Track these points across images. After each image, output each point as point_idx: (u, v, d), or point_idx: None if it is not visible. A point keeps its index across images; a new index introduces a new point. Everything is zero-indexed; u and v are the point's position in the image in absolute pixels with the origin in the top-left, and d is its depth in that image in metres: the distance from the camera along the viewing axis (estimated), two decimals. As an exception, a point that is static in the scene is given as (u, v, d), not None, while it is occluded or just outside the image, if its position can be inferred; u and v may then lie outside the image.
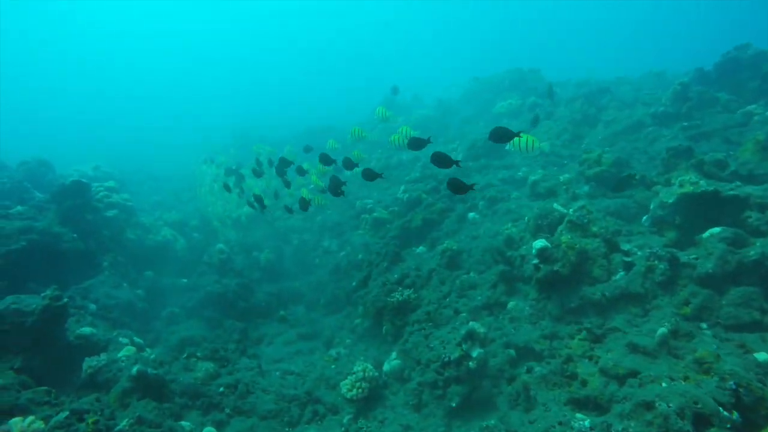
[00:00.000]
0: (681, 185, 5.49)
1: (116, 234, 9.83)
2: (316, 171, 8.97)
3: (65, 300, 5.47)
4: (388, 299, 7.13)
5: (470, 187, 4.46)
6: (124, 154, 24.05)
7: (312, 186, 9.20)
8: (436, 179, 10.82)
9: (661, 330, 4.19)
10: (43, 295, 5.41)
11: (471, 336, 5.60)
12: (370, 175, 6.09)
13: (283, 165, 8.25)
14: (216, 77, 55.02)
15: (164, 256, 10.69)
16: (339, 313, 8.83)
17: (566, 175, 8.14)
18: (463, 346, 5.52)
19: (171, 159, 24.13)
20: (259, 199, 8.87)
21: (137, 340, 6.59)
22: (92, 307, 7.38)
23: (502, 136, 4.58)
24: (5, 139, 24.87)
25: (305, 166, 9.33)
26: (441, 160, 4.72)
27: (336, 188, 6.42)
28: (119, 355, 5.77)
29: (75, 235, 8.41)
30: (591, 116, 10.83)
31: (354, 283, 8.75)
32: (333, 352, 7.01)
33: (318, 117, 23.69)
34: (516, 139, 5.01)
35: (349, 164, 6.94)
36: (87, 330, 6.07)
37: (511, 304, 6.30)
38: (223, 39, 66.89)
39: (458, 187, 4.54)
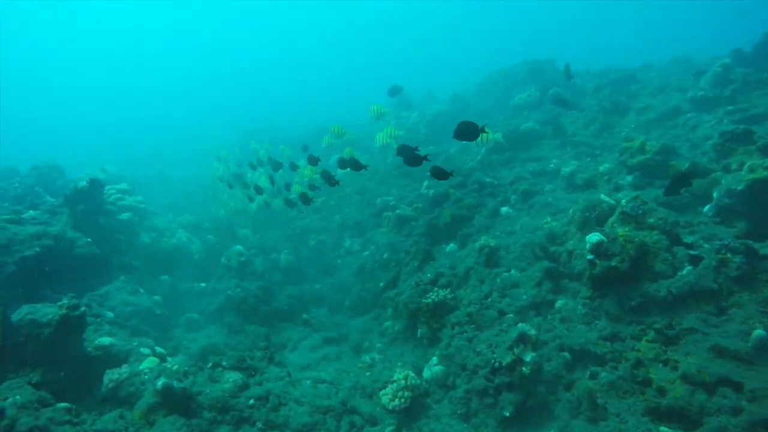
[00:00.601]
0: (751, 170, 5.01)
1: (130, 237, 9.47)
2: (309, 169, 9.25)
3: (83, 309, 5.08)
4: (423, 300, 6.70)
5: (450, 174, 4.87)
6: (132, 157, 23.80)
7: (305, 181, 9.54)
8: (460, 173, 10.38)
9: (758, 332, 3.73)
10: (59, 304, 5.02)
11: (522, 339, 5.16)
12: (355, 166, 6.55)
13: (275, 165, 8.70)
14: (229, 77, 54.51)
15: (180, 259, 10.31)
16: (365, 316, 8.41)
17: (606, 165, 7.67)
18: (515, 350, 5.08)
19: (181, 161, 23.83)
20: (259, 189, 8.95)
21: (159, 350, 6.20)
22: (109, 314, 7.00)
23: (471, 132, 4.72)
24: (12, 145, 24.68)
25: (300, 163, 9.35)
26: (412, 160, 5.10)
27: (330, 179, 6.93)
28: (141, 366, 5.37)
29: (89, 240, 8.05)
30: (621, 104, 10.33)
31: (381, 284, 8.33)
32: (367, 358, 6.59)
33: (331, 116, 23.28)
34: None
35: (343, 163, 7.22)
36: (106, 340, 5.68)
37: (559, 303, 5.85)
38: (237, 39, 66.57)
39: (440, 174, 4.91)
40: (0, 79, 43.93)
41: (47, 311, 5.02)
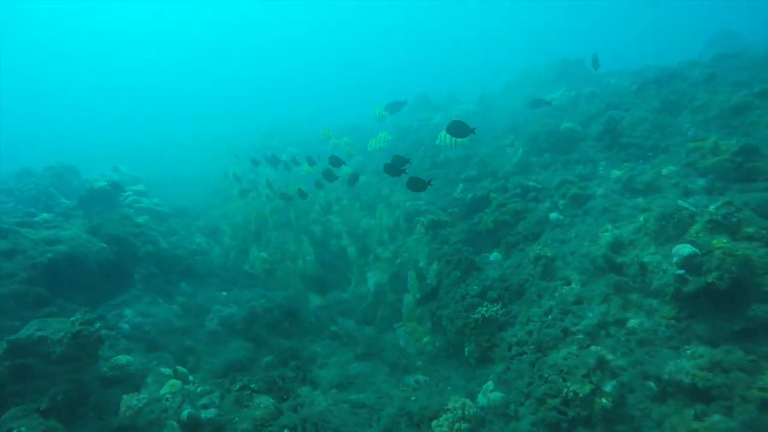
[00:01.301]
0: None
1: (148, 242, 8.91)
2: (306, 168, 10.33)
3: (98, 325, 4.49)
4: (471, 316, 6.04)
5: (429, 183, 5.26)
6: (145, 158, 23.43)
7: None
8: (495, 176, 9.72)
9: None
10: (72, 320, 4.44)
11: (600, 364, 4.47)
12: (336, 162, 7.60)
13: (274, 160, 9.80)
14: (248, 80, 54.24)
15: (199, 265, 9.74)
16: (400, 329, 7.75)
17: (670, 168, 6.94)
18: (593, 378, 4.38)
19: (190, 161, 23.39)
20: (270, 185, 9.48)
21: (180, 369, 5.59)
22: (126, 327, 6.43)
23: (462, 131, 5.44)
24: (17, 144, 24.42)
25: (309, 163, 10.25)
26: (392, 169, 5.49)
27: (330, 176, 7.81)
28: (162, 391, 4.77)
29: (104, 245, 7.51)
30: (672, 102, 9.58)
31: (418, 296, 7.67)
32: (411, 380, 5.90)
33: (349, 117, 22.79)
34: (442, 133, 6.29)
35: (337, 162, 7.94)
36: (123, 359, 5.09)
37: (633, 323, 5.12)
38: (258, 40, 66.41)
39: (417, 185, 5.30)
40: (2, 79, 43.90)
41: (59, 327, 4.44)
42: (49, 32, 61.46)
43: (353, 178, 8.13)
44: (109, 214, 8.12)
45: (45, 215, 7.75)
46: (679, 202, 5.39)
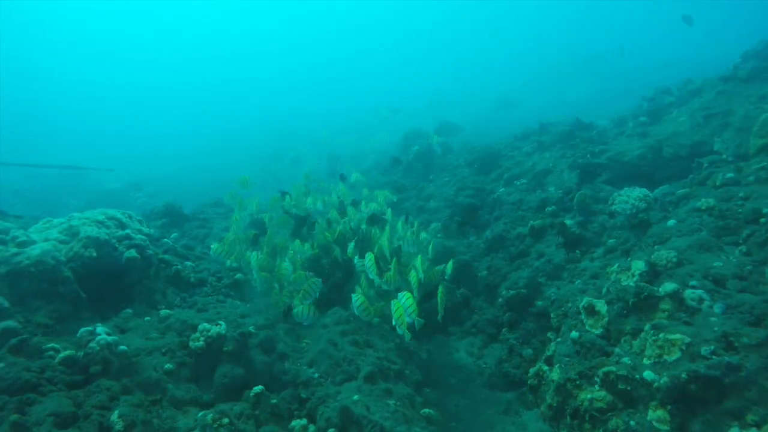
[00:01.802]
0: None
1: (132, 247, 8.29)
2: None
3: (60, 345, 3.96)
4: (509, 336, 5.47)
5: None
6: (145, 156, 23.26)
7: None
8: (521, 179, 9.15)
9: None
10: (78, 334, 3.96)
11: (667, 398, 3.89)
12: (333, 160, 8.59)
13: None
14: (253, 80, 53.84)
15: (188, 273, 9.12)
16: (428, 344, 7.18)
17: (728, 174, 6.27)
18: (654, 414, 3.81)
19: (195, 161, 23.16)
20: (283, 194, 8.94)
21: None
22: (95, 347, 5.78)
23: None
24: (21, 144, 24.36)
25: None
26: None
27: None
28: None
29: (81, 250, 6.94)
30: (734, 95, 8.86)
31: (441, 312, 7.10)
32: (452, 407, 5.31)
33: (360, 119, 22.51)
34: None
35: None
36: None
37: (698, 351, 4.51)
38: (271, 43, 66.08)
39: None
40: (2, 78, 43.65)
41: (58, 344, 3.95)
42: (49, 32, 61.64)
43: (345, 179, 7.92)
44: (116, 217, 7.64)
45: (49, 217, 7.31)
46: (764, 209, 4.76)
